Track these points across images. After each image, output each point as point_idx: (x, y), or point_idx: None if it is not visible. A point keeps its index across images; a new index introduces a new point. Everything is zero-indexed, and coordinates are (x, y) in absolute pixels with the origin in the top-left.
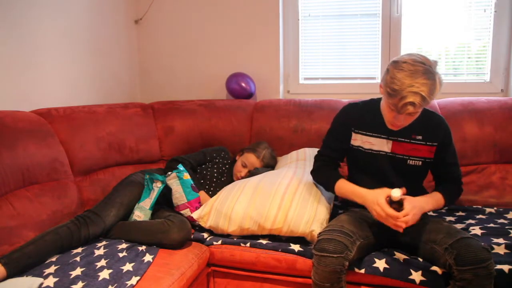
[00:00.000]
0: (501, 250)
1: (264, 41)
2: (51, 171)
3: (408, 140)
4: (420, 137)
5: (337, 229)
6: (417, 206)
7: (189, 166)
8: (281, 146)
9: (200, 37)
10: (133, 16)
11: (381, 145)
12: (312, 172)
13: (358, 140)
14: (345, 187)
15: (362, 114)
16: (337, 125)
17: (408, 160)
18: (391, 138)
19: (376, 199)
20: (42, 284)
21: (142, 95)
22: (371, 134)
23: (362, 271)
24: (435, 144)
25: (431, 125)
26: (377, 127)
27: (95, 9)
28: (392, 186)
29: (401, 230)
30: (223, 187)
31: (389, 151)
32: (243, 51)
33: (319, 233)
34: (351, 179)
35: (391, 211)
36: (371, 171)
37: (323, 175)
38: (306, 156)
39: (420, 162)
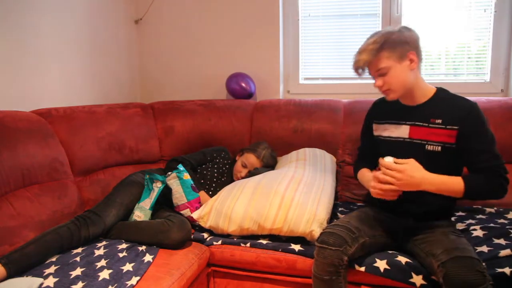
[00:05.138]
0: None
1: (264, 41)
2: (51, 171)
3: (427, 124)
4: (439, 121)
5: (341, 224)
6: (410, 170)
7: (189, 166)
8: (281, 146)
9: (200, 37)
10: (133, 16)
11: (399, 131)
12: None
13: (378, 129)
14: (362, 174)
15: (382, 104)
16: (364, 120)
17: (427, 145)
18: (408, 123)
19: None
20: (42, 284)
21: (142, 95)
22: (389, 121)
23: (362, 269)
24: (456, 127)
25: (454, 108)
26: (395, 114)
27: (95, 9)
28: None
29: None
30: (223, 187)
31: (407, 136)
32: (243, 51)
33: (325, 227)
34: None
35: (378, 173)
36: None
37: (355, 167)
38: (306, 156)
39: (440, 148)
